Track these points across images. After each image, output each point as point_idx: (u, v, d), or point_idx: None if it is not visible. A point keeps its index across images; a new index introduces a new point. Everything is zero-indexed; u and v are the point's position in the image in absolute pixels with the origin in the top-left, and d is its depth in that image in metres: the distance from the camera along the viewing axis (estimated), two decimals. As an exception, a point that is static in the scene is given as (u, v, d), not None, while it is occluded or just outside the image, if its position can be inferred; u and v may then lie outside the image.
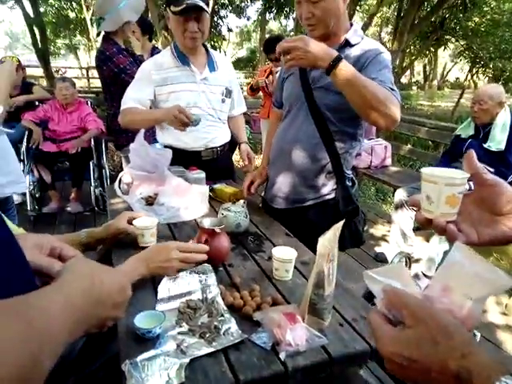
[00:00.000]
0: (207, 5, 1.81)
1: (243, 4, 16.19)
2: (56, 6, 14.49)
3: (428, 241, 3.06)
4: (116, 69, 2.60)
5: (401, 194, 3.12)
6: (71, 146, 3.72)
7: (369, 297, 1.73)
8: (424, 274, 2.92)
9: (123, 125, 1.90)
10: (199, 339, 0.92)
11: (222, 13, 15.86)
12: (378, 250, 3.36)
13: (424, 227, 0.66)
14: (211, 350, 0.88)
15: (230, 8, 16.07)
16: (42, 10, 12.69)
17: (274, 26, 24.05)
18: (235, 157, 6.14)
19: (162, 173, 1.70)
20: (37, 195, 3.78)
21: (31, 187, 3.57)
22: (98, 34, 3.16)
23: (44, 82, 11.39)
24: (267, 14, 16.49)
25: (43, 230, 3.47)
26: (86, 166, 3.79)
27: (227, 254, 1.28)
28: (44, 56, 10.27)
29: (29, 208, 3.55)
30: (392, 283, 0.54)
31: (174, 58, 1.93)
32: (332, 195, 1.57)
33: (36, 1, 10.04)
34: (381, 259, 3.17)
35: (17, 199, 3.49)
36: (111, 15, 2.62)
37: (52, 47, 17.73)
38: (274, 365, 0.86)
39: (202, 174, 1.91)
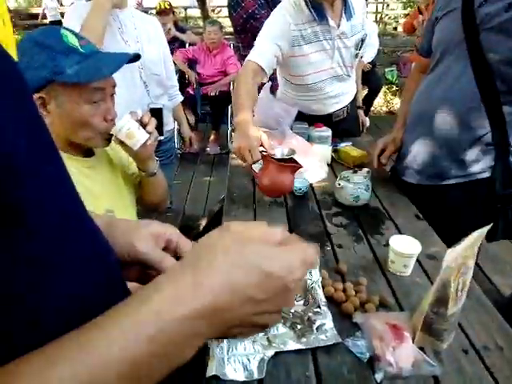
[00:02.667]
0: None
1: None
2: None
3: None
4: (245, 14, 2.47)
5: None
6: (211, 89, 3.88)
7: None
8: None
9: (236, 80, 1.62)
10: (289, 330, 0.85)
11: None
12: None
13: None
14: (299, 347, 0.81)
15: None
16: None
17: None
18: (379, 100, 5.57)
19: (283, 130, 1.60)
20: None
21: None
22: None
23: (200, 23, 12.04)
24: None
25: (187, 168, 3.86)
26: (224, 110, 3.94)
27: (283, 190, 1.30)
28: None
29: (176, 146, 3.92)
30: None
31: (309, 10, 1.54)
32: (485, 174, 1.23)
33: None
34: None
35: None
36: None
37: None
38: (368, 384, 0.74)
39: (328, 132, 1.74)
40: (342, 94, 1.78)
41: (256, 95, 1.53)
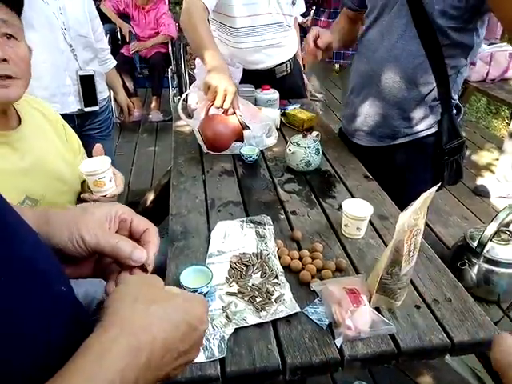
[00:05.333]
0: None
1: None
2: None
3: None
4: None
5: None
6: (133, 47, 3.63)
7: (459, 253, 1.48)
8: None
9: (181, 25, 1.52)
10: (247, 304, 0.83)
11: None
12: (478, 182, 2.91)
13: None
14: (259, 320, 0.79)
15: None
16: None
17: None
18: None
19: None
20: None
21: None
22: None
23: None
24: None
25: (128, 138, 3.63)
26: (164, 73, 3.71)
27: (220, 147, 1.35)
28: None
29: (114, 115, 3.66)
30: None
31: None
32: (433, 130, 1.26)
33: None
34: (480, 193, 2.76)
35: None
36: None
37: None
38: (328, 349, 0.74)
39: (276, 95, 1.69)
40: (282, 44, 1.72)
41: None
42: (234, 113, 1.31)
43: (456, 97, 1.27)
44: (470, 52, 1.18)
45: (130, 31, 3.72)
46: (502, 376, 0.42)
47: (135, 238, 0.49)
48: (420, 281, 0.90)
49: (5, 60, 0.82)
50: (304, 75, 1.99)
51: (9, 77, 0.84)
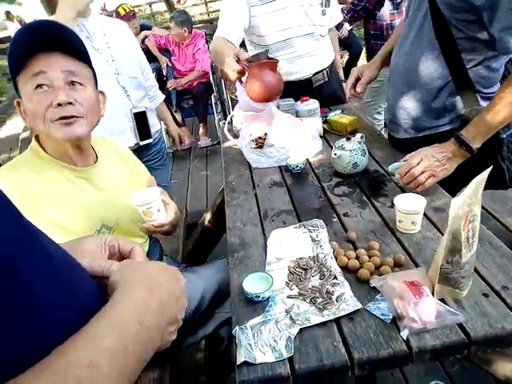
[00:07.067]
0: None
1: None
2: None
3: None
4: None
5: None
6: (170, 84, 3.89)
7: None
8: None
9: (213, 59, 1.76)
10: (310, 305, 0.86)
11: None
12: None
13: None
14: (322, 319, 0.82)
15: None
16: None
17: None
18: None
19: (270, 110, 1.58)
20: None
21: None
22: None
23: (167, 16, 11.76)
24: None
25: (181, 166, 3.84)
26: (207, 101, 3.90)
27: (274, 90, 1.40)
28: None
29: (167, 145, 3.89)
30: None
31: None
32: (455, 125, 1.21)
33: None
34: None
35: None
36: None
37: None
38: (395, 343, 0.75)
39: (316, 104, 1.72)
40: (315, 54, 1.78)
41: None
42: (248, 68, 1.37)
43: (491, 90, 1.19)
44: (491, 47, 1.10)
45: (167, 65, 4.01)
46: None
47: (126, 256, 0.57)
48: (485, 269, 0.87)
49: (70, 103, 0.95)
50: (344, 84, 2.02)
51: (74, 116, 0.96)
